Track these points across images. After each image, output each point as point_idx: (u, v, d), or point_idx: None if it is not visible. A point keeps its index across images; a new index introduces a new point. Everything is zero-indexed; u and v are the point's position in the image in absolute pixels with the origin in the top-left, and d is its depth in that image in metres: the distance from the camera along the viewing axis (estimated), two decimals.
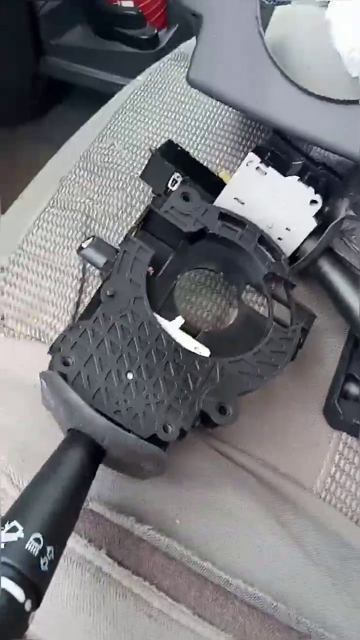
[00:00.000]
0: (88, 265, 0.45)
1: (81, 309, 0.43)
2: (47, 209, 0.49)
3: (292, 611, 0.32)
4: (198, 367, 0.33)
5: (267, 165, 0.40)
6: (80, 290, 0.44)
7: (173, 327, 0.35)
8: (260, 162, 0.40)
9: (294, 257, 0.41)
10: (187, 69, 0.41)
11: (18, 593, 0.21)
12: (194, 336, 0.36)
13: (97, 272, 0.45)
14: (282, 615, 0.32)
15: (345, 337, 0.44)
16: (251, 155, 0.40)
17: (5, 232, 0.49)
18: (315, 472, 0.40)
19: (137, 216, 0.48)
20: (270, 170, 0.40)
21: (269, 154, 0.40)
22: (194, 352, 0.34)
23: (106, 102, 0.59)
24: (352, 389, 0.41)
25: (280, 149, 0.41)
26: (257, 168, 0.40)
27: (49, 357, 0.31)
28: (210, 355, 0.35)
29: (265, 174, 0.40)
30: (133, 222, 0.47)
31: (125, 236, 0.36)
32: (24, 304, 0.43)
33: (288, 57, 0.51)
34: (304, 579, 0.34)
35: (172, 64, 0.60)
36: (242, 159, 0.50)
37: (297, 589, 0.33)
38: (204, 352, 0.35)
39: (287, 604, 0.32)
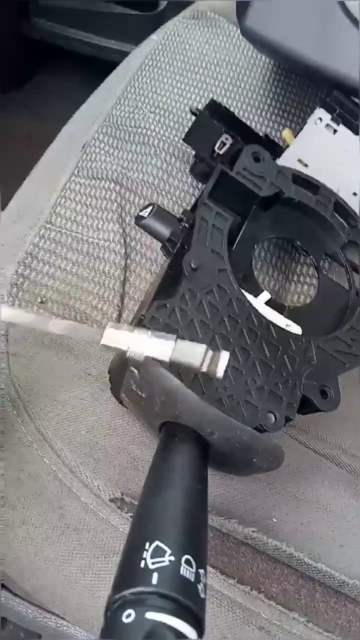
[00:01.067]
0: (129, 240, 0.41)
1: (128, 288, 0.38)
2: (72, 179, 0.44)
3: None
4: (294, 346, 0.30)
5: (338, 122, 0.36)
6: (125, 267, 0.39)
7: (259, 303, 0.31)
8: (331, 119, 0.36)
9: None
10: (243, 18, 0.37)
11: (189, 632, 0.17)
12: (280, 312, 0.32)
13: (138, 246, 0.40)
14: None
15: None
16: (320, 112, 0.36)
17: (26, 205, 0.43)
18: None
19: (175, 184, 0.43)
20: (342, 128, 0.36)
21: (337, 111, 0.36)
22: (287, 330, 0.30)
23: (99, 68, 0.54)
24: None
25: (343, 108, 0.38)
26: (327, 125, 0.36)
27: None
28: (302, 333, 0.31)
29: (335, 131, 0.36)
30: (175, 190, 0.42)
31: (200, 201, 0.31)
32: (64, 284, 0.38)
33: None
34: None
35: (190, 22, 0.55)
36: (287, 119, 0.47)
37: None
38: (296, 329, 0.31)
39: None
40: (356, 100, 0.38)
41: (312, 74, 0.42)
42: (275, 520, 0.30)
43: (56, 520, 0.29)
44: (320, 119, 0.36)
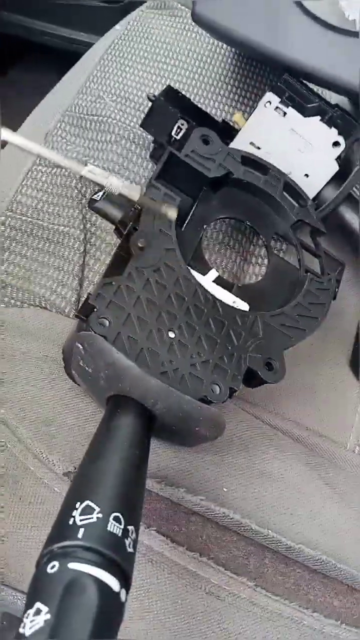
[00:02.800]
0: (89, 225, 0.41)
1: (87, 272, 0.39)
2: (33, 167, 0.44)
3: (355, 571, 0.30)
4: (240, 322, 0.31)
5: (287, 105, 0.37)
6: (84, 252, 0.40)
7: (207, 281, 0.32)
8: (280, 102, 0.37)
9: None
10: (193, 4, 0.37)
11: (112, 582, 0.18)
12: (228, 290, 0.33)
13: (98, 231, 0.41)
14: (346, 577, 0.30)
15: None
16: (269, 95, 0.37)
17: None
18: (348, 427, 0.39)
19: (135, 170, 0.44)
20: (291, 111, 0.37)
21: (286, 94, 0.37)
22: (233, 307, 0.31)
23: (69, 60, 0.54)
24: None
25: (293, 91, 0.39)
26: (277, 108, 0.37)
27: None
28: (249, 310, 0.32)
29: (285, 114, 0.37)
30: (135, 176, 0.43)
31: (148, 183, 0.32)
32: (23, 270, 0.39)
33: None
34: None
35: (153, 12, 0.55)
36: (246, 104, 0.47)
37: (356, 549, 0.31)
38: (243, 306, 0.32)
39: (349, 564, 0.30)
40: (305, 82, 0.39)
41: (262, 59, 0.43)
42: (225, 490, 0.31)
43: (11, 495, 0.30)
44: (270, 102, 0.37)
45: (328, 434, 0.38)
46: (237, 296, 0.33)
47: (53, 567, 0.17)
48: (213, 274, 0.33)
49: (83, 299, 0.38)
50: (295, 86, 0.38)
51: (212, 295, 0.31)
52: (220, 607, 0.29)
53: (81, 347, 0.27)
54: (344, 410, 0.39)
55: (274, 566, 0.30)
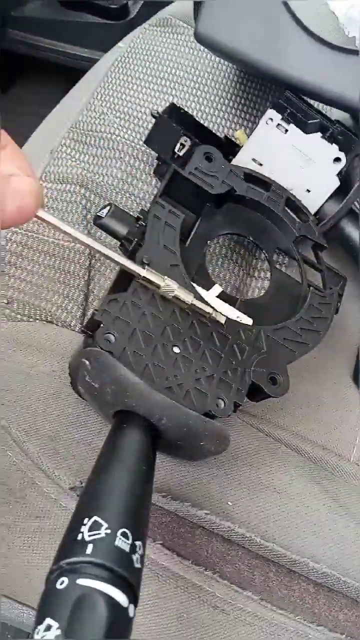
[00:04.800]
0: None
1: (92, 286, 0.40)
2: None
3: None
4: (243, 336, 0.31)
5: (288, 122, 0.38)
6: (90, 267, 0.40)
7: (211, 296, 0.33)
8: (281, 119, 0.37)
9: None
10: (195, 26, 0.38)
11: (121, 597, 0.18)
12: (232, 305, 0.33)
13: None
14: (350, 590, 0.30)
15: None
16: (271, 112, 0.38)
17: None
18: (352, 440, 0.39)
19: (139, 186, 0.45)
20: (292, 127, 0.38)
21: (287, 111, 0.38)
22: (237, 321, 0.31)
23: (74, 77, 0.55)
24: None
25: (295, 107, 0.39)
26: (278, 125, 0.38)
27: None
28: (252, 324, 0.32)
29: (287, 131, 0.38)
30: (139, 192, 0.44)
31: (153, 200, 0.33)
32: (30, 285, 0.39)
33: None
34: None
35: (156, 29, 0.56)
36: (248, 120, 0.48)
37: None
38: (247, 320, 0.32)
39: (354, 577, 0.30)
40: (306, 99, 0.39)
41: (263, 76, 0.44)
42: (230, 504, 0.31)
43: (19, 510, 0.30)
44: (272, 119, 0.38)
45: (332, 447, 0.38)
46: (240, 311, 0.33)
47: (62, 583, 0.18)
48: (217, 289, 0.33)
49: (89, 313, 0.39)
50: (297, 103, 0.39)
51: (215, 310, 0.31)
52: (226, 620, 0.29)
53: (87, 363, 0.27)
54: (347, 423, 0.39)
55: (278, 580, 0.30)
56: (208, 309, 0.30)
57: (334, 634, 0.30)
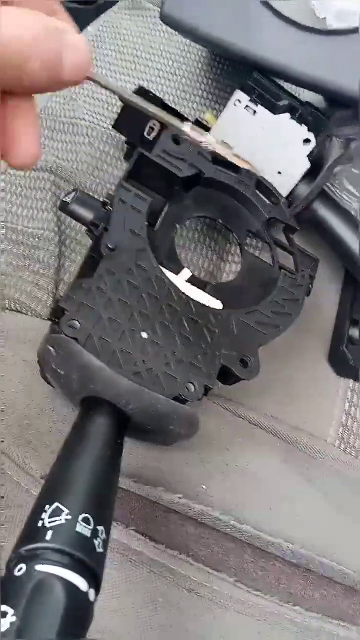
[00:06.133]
0: (64, 227, 0.41)
1: (62, 274, 0.39)
2: (8, 171, 0.44)
3: (335, 564, 0.31)
4: (213, 320, 0.31)
5: (257, 103, 0.37)
6: (60, 255, 0.40)
7: (180, 281, 0.32)
8: (250, 101, 0.37)
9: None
10: (161, 7, 0.38)
11: (80, 582, 0.18)
12: (201, 289, 0.33)
13: (73, 233, 0.41)
14: (326, 570, 0.31)
15: (341, 283, 0.43)
16: (239, 94, 0.37)
17: None
18: (328, 422, 0.39)
19: (110, 171, 0.44)
20: (261, 109, 0.37)
21: (256, 92, 0.37)
22: (207, 306, 0.31)
23: None
24: (357, 334, 0.40)
25: (264, 89, 0.39)
26: (246, 107, 0.37)
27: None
28: (223, 308, 0.32)
29: (255, 113, 0.37)
30: (110, 177, 0.43)
31: (118, 184, 0.32)
32: None
33: None
34: (339, 531, 0.32)
35: (125, 13, 0.55)
36: (220, 103, 0.48)
37: (335, 542, 0.32)
38: (217, 305, 0.32)
39: (330, 557, 0.31)
40: (276, 80, 0.39)
41: (231, 57, 0.43)
42: (204, 487, 0.31)
43: None
44: (240, 100, 0.37)
45: (307, 429, 0.38)
46: (211, 295, 0.33)
47: (20, 570, 0.17)
48: (186, 273, 0.33)
49: None
50: (265, 84, 0.38)
51: (185, 294, 0.31)
52: (201, 603, 0.29)
53: (52, 350, 0.27)
54: (323, 404, 0.39)
55: (254, 562, 0.30)
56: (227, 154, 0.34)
57: (310, 613, 0.30)
